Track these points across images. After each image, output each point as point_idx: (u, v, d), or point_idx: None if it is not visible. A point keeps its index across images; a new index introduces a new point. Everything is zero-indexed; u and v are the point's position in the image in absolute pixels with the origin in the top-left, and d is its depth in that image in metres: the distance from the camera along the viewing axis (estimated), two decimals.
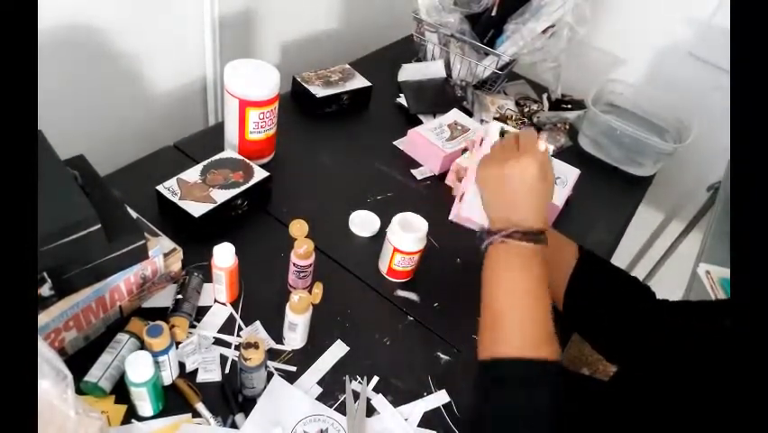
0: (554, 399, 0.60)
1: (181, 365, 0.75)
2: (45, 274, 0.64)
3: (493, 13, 1.37)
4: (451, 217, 0.81)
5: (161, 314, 0.79)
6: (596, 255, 0.85)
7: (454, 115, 1.29)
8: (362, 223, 1.02)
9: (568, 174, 1.18)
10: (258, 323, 0.83)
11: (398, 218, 0.90)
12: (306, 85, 1.25)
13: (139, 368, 0.65)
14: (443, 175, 1.18)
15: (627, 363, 0.82)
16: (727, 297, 1.05)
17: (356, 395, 0.77)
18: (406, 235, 0.88)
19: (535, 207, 0.68)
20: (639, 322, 0.78)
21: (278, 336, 0.81)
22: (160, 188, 0.92)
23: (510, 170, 0.67)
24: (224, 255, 0.80)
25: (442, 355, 0.85)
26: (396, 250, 0.89)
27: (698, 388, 0.63)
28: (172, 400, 0.72)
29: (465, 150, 1.14)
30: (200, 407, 0.71)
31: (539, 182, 0.67)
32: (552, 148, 0.68)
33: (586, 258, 0.84)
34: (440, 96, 1.39)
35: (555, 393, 0.60)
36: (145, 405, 0.68)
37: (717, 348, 0.64)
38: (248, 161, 1.00)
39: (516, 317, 0.64)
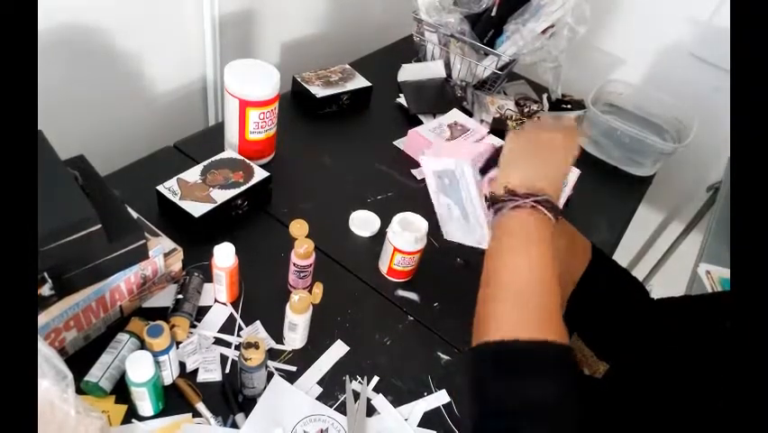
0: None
1: (182, 365, 0.75)
2: (45, 274, 0.64)
3: (493, 14, 1.37)
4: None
5: (162, 314, 0.79)
6: (606, 256, 0.85)
7: (454, 115, 1.29)
8: (362, 223, 1.02)
9: (568, 174, 1.18)
10: (258, 323, 0.83)
11: (398, 218, 0.90)
12: (306, 85, 1.25)
13: (139, 368, 0.65)
14: None
15: (620, 360, 0.82)
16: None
17: (356, 395, 0.77)
18: (407, 235, 0.88)
19: (560, 179, 0.65)
20: (634, 322, 0.78)
21: (278, 336, 0.81)
22: (160, 188, 0.92)
23: (546, 138, 0.65)
24: (225, 255, 0.80)
25: (442, 355, 0.85)
26: (396, 250, 0.89)
27: (690, 388, 0.63)
28: (172, 399, 0.72)
29: None
30: (200, 407, 0.71)
31: (568, 158, 0.65)
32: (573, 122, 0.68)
33: (595, 264, 0.83)
34: (440, 97, 1.39)
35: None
36: (145, 405, 0.68)
37: (713, 349, 0.64)
38: (248, 161, 1.00)
39: (549, 298, 0.58)
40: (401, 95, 1.38)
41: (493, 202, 0.65)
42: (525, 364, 0.54)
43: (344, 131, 1.27)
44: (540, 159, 0.64)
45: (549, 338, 0.54)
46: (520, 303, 0.58)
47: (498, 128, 1.31)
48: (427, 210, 0.94)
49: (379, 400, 0.77)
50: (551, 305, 0.58)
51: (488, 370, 0.56)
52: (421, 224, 0.90)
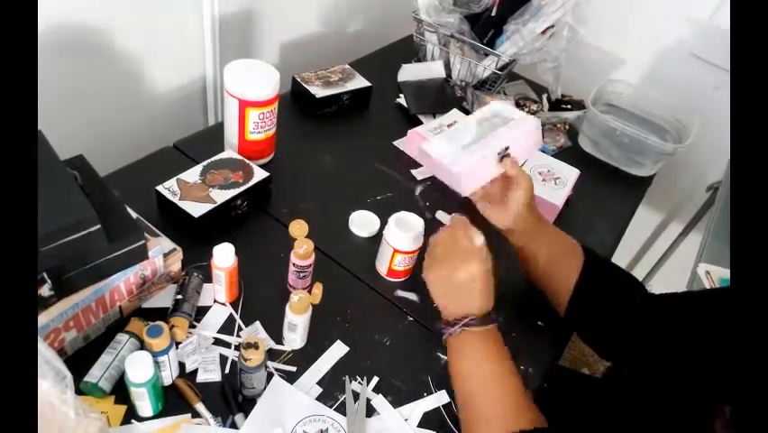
0: None
1: (181, 365, 0.75)
2: (45, 274, 0.64)
3: (493, 14, 1.37)
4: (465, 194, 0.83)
5: (161, 314, 0.79)
6: (598, 256, 0.86)
7: (454, 115, 1.29)
8: (362, 223, 1.02)
9: (568, 174, 1.18)
10: (258, 323, 0.83)
11: (394, 219, 0.89)
12: (305, 85, 1.25)
13: (139, 368, 0.65)
14: None
15: (620, 359, 0.82)
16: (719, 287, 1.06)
17: (356, 395, 0.77)
18: (405, 235, 0.88)
19: (482, 296, 0.73)
20: (633, 319, 0.78)
21: (278, 336, 0.81)
22: (159, 188, 0.92)
23: (457, 275, 0.72)
24: (224, 255, 0.80)
25: (442, 355, 0.85)
26: (396, 251, 0.89)
27: (690, 386, 0.63)
28: (172, 400, 0.72)
29: None
30: (200, 407, 0.71)
31: (482, 277, 0.72)
32: (481, 240, 0.75)
33: (591, 261, 0.84)
34: (440, 97, 1.39)
35: None
36: (145, 405, 0.68)
37: (713, 348, 0.64)
38: (248, 161, 1.00)
39: (489, 398, 0.69)
40: (401, 95, 1.38)
41: (440, 332, 0.76)
42: None
43: (344, 131, 1.26)
44: (453, 296, 0.74)
45: (524, 427, 0.64)
46: (489, 412, 0.68)
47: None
48: (427, 210, 0.95)
49: (379, 401, 0.77)
50: (513, 401, 0.68)
51: None
52: (417, 222, 0.90)
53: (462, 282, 0.73)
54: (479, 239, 0.74)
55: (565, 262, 0.84)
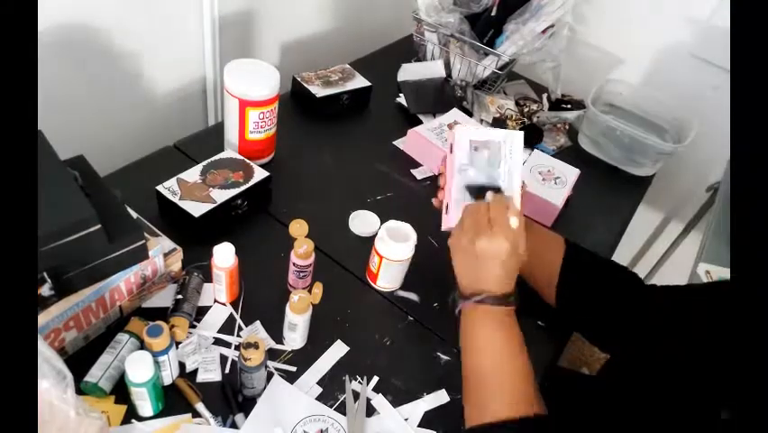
0: None
1: (181, 365, 0.75)
2: (45, 274, 0.64)
3: (493, 13, 1.37)
4: (443, 228, 0.81)
5: (161, 314, 0.79)
6: (581, 247, 0.86)
7: (454, 115, 1.29)
8: (362, 223, 1.02)
9: (568, 174, 1.18)
10: (258, 323, 0.83)
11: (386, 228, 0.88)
12: (306, 85, 1.25)
13: (139, 368, 0.65)
14: None
15: (620, 350, 0.82)
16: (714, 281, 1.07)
17: (356, 395, 0.77)
18: (397, 245, 0.86)
19: (505, 277, 0.70)
20: (629, 310, 0.79)
21: (278, 336, 0.81)
22: (160, 188, 0.92)
23: (482, 249, 0.69)
24: (224, 255, 0.80)
25: (442, 355, 0.85)
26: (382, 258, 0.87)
27: (689, 374, 0.64)
28: (172, 400, 0.72)
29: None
30: (200, 407, 0.71)
31: (510, 258, 0.69)
32: (516, 222, 0.71)
33: (572, 251, 0.84)
34: (440, 96, 1.39)
35: None
36: (145, 405, 0.68)
37: (707, 335, 0.65)
38: (248, 161, 1.00)
39: (500, 378, 0.67)
40: (401, 94, 1.38)
41: (452, 305, 0.74)
42: None
43: (344, 131, 1.27)
44: (476, 271, 0.72)
45: (523, 414, 0.63)
46: (494, 389, 0.67)
47: (498, 128, 1.31)
48: (427, 210, 0.94)
49: (379, 400, 0.77)
50: (519, 382, 0.67)
51: None
52: (409, 231, 0.89)
53: (485, 260, 0.69)
54: (515, 221, 0.70)
55: (546, 252, 0.84)
